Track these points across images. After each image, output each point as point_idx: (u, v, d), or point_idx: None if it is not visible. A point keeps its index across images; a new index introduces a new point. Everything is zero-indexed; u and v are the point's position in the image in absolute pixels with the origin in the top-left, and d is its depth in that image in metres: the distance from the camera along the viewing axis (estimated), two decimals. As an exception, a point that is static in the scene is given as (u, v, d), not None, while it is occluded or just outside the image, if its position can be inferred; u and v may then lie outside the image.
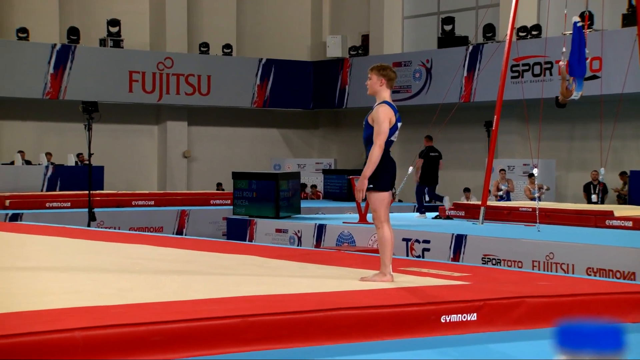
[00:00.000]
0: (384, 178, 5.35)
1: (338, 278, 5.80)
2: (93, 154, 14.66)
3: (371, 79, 5.49)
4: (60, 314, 4.16)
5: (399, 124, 5.46)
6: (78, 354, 3.75)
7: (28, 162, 20.43)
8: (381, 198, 5.36)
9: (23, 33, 21.35)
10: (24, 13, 22.14)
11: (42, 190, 18.58)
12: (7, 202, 14.90)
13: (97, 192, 16.26)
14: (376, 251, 10.18)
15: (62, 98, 21.46)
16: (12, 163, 20.11)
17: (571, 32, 11.30)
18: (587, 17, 12.61)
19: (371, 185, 5.32)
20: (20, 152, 20.38)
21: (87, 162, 15.36)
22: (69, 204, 15.59)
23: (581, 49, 10.75)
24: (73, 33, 22.10)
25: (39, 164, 20.20)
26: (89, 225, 13.33)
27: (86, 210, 13.91)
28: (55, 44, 21.51)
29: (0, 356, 3.58)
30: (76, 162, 20.60)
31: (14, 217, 13.93)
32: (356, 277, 5.74)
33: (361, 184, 5.32)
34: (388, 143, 5.39)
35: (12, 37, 21.42)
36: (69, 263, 6.64)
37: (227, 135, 24.92)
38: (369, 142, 5.41)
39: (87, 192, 14.27)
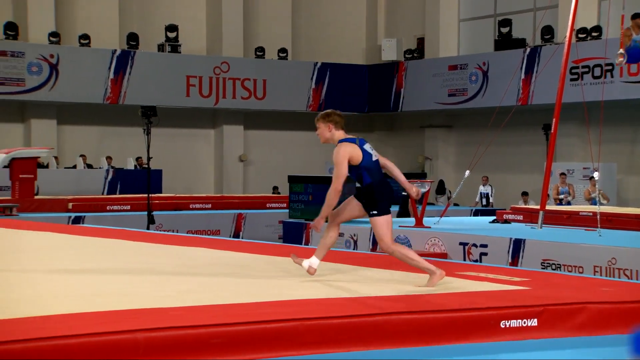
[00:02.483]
0: (382, 203, 5.40)
1: (395, 282, 5.78)
2: (152, 157, 14.90)
3: (319, 128, 5.51)
4: (122, 315, 4.23)
5: (367, 146, 5.47)
6: (139, 355, 3.80)
7: (89, 166, 20.87)
8: (385, 222, 5.41)
9: (85, 39, 21.84)
10: (86, 20, 22.63)
11: (103, 194, 18.97)
12: (70, 205, 15.25)
13: (156, 195, 16.52)
14: (432, 255, 10.11)
15: (121, 103, 21.86)
16: (74, 167, 20.57)
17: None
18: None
19: (375, 212, 5.39)
20: (82, 156, 20.83)
21: (146, 166, 15.62)
22: (128, 207, 15.88)
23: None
24: (132, 39, 22.51)
25: (100, 168, 20.61)
26: (148, 228, 13.54)
27: (145, 213, 14.13)
28: (115, 50, 21.93)
29: (65, 356, 3.65)
30: (135, 166, 20.97)
31: (77, 220, 14.24)
32: (413, 282, 5.70)
33: (317, 222, 5.44)
34: (377, 164, 5.46)
35: (75, 44, 21.92)
36: (129, 265, 6.75)
37: (282, 139, 25.05)
38: (357, 180, 5.52)
39: (146, 195, 14.50)
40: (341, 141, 5.43)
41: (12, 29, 21.08)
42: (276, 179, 22.89)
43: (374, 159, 5.46)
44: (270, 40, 24.55)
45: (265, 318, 4.19)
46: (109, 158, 21.00)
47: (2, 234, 9.85)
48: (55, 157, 20.43)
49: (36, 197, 16.15)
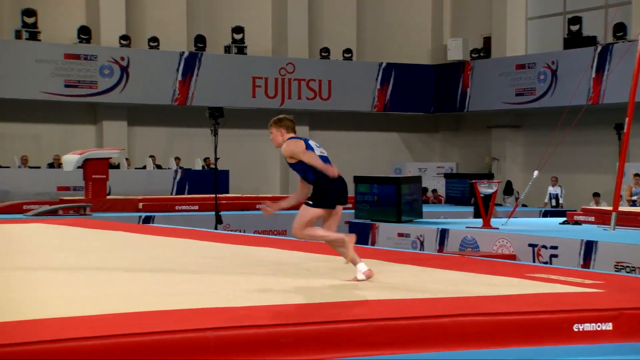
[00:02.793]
0: (329, 198, 5.58)
1: (463, 283, 5.72)
2: (219, 158, 15.08)
3: (272, 133, 5.73)
4: (192, 314, 4.29)
5: (311, 142, 5.69)
6: (210, 354, 3.85)
7: (158, 167, 21.25)
8: (311, 214, 5.56)
9: (154, 42, 22.26)
10: (155, 23, 23.06)
11: (171, 194, 19.29)
12: (140, 204, 15.54)
13: (223, 195, 16.71)
14: (501, 256, 9.97)
15: (189, 104, 22.19)
16: (144, 167, 20.97)
17: None
18: None
19: (310, 202, 5.57)
20: (152, 156, 21.23)
21: (213, 166, 15.82)
22: (196, 207, 16.10)
23: None
24: (200, 41, 22.84)
25: (169, 168, 20.97)
26: (215, 228, 13.71)
27: (213, 213, 14.32)
28: (183, 52, 22.28)
29: (139, 354, 3.72)
30: (203, 166, 21.26)
31: (147, 220, 14.51)
32: (482, 283, 5.64)
33: (274, 207, 5.73)
34: (323, 159, 5.59)
35: (144, 46, 22.36)
36: (198, 265, 6.85)
37: (347, 140, 25.06)
38: (305, 178, 5.65)
39: (213, 195, 14.68)
40: (289, 139, 5.66)
41: (85, 33, 21.62)
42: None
43: (317, 153, 5.60)
44: (335, 41, 24.59)
45: (334, 318, 4.19)
46: (177, 159, 21.34)
47: (77, 233, 10.11)
48: (127, 159, 20.89)
49: (108, 197, 16.52)
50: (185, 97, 22.12)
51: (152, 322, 4.06)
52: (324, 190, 5.54)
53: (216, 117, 14.98)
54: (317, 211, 5.57)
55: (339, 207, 5.70)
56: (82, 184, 16.58)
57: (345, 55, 24.43)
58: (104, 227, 10.77)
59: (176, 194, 19.60)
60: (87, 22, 22.13)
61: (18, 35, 20.85)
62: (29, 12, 20.88)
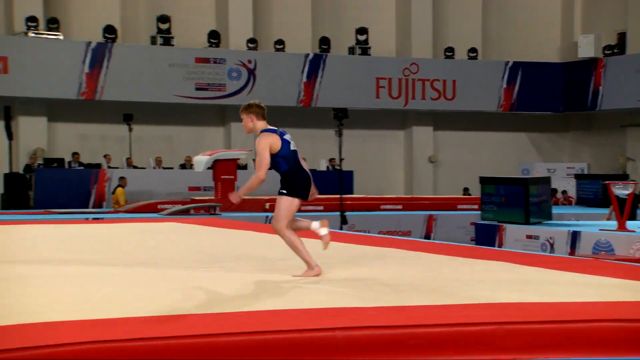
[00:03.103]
0: (295, 186, 5.77)
1: (597, 287, 5.52)
2: (344, 159, 15.19)
3: (243, 119, 5.92)
4: (320, 313, 4.35)
5: (287, 136, 5.84)
6: (338, 353, 3.88)
7: (283, 167, 21.61)
8: (288, 203, 5.75)
9: (280, 44, 22.69)
10: (281, 26, 23.50)
11: (296, 194, 19.52)
12: (267, 205, 15.87)
13: (348, 196, 16.81)
14: (637, 260, 9.53)
15: (314, 105, 22.47)
16: (270, 168, 21.39)
17: None
18: None
19: (284, 191, 5.77)
20: (276, 157, 21.61)
21: (338, 167, 15.94)
22: (321, 208, 16.28)
23: None
24: (324, 42, 23.08)
25: (294, 169, 21.29)
26: (340, 228, 13.82)
27: (338, 213, 14.43)
28: (308, 54, 22.58)
29: (269, 353, 3.80)
30: (327, 167, 21.47)
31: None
32: (619, 287, 5.42)
33: (234, 197, 5.88)
34: (294, 153, 5.81)
35: (270, 49, 22.82)
36: (324, 265, 6.92)
37: (472, 140, 24.67)
38: (275, 169, 5.84)
39: (338, 196, 14.80)
40: (263, 131, 5.82)
41: (214, 37, 22.32)
42: (466, 180, 22.58)
43: (292, 148, 5.82)
44: (460, 40, 24.27)
45: (462, 321, 4.14)
46: (303, 159, 21.60)
47: (209, 232, 10.44)
48: (253, 160, 21.36)
49: (236, 197, 16.91)
50: (310, 99, 22.41)
51: (279, 320, 4.14)
52: (293, 182, 5.77)
53: (341, 118, 15.10)
54: (294, 200, 5.78)
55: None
56: (211, 184, 17.09)
57: (470, 54, 24.06)
58: (233, 226, 11.07)
59: (301, 194, 19.83)
60: (217, 27, 22.81)
61: (153, 41, 21.76)
62: (164, 19, 21.74)
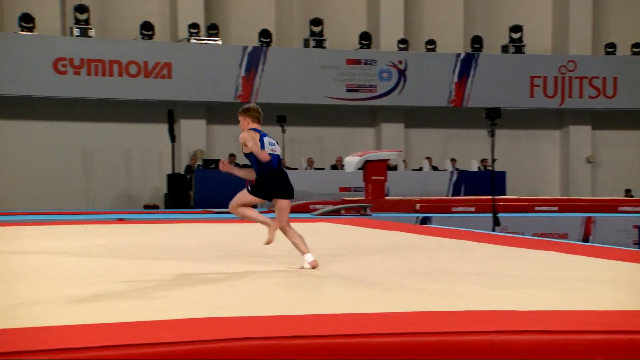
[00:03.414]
0: (265, 187, 6.25)
1: None
2: (496, 159, 14.87)
3: (240, 121, 6.39)
4: (476, 316, 4.28)
5: (267, 139, 6.27)
6: (494, 357, 3.81)
7: (434, 168, 21.48)
8: (248, 195, 6.32)
9: (431, 45, 22.56)
10: (433, 26, 23.36)
11: (447, 195, 19.39)
12: (417, 205, 15.81)
13: (500, 197, 16.46)
14: None
15: (465, 105, 22.16)
16: (421, 169, 21.31)
17: None
18: None
19: (249, 189, 6.28)
20: (428, 158, 21.51)
21: (490, 168, 15.64)
22: (473, 209, 16.04)
23: None
24: (476, 41, 22.72)
25: (445, 170, 21.11)
26: (493, 230, 13.55)
27: (490, 215, 14.16)
28: (459, 54, 22.30)
29: (419, 354, 3.78)
30: (479, 168, 21.11)
31: (424, 221, 14.73)
32: None
33: (225, 165, 6.37)
34: (275, 157, 6.25)
35: (421, 49, 22.73)
36: (476, 266, 6.81)
37: (635, 139, 23.50)
38: (253, 167, 6.34)
39: (490, 197, 14.52)
40: (249, 129, 6.32)
41: (365, 39, 22.49)
42: (629, 181, 21.55)
43: (268, 151, 6.22)
44: (622, 35, 23.17)
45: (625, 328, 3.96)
46: (453, 160, 21.40)
47: (362, 233, 10.54)
48: (404, 160, 21.36)
49: (386, 198, 17.00)
50: (461, 99, 22.13)
51: (432, 322, 4.11)
52: (263, 184, 6.26)
53: (493, 118, 14.80)
54: (252, 197, 6.33)
55: (285, 202, 6.33)
56: (362, 185, 17.23)
57: (634, 49, 22.91)
58: (383, 227, 11.11)
59: (452, 195, 19.66)
60: (368, 28, 22.97)
61: (306, 43, 22.22)
62: (316, 22, 22.15)
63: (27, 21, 19.99)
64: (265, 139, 6.27)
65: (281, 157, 6.47)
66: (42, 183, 20.36)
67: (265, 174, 6.24)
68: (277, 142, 6.38)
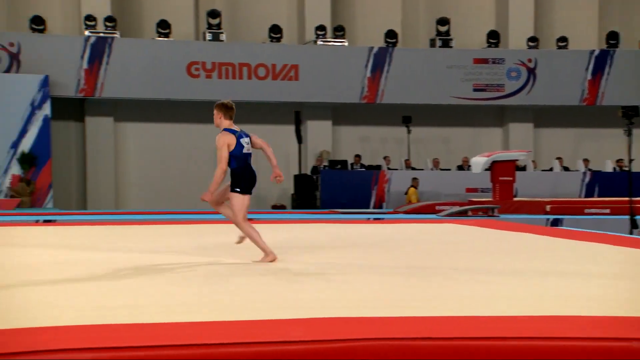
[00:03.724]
0: (243, 184, 6.56)
1: None
2: (633, 159, 14.24)
3: (214, 114, 6.65)
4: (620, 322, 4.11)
5: (244, 139, 6.56)
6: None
7: (566, 169, 20.80)
8: (241, 199, 6.56)
9: (562, 42, 21.88)
10: (565, 23, 22.67)
11: (579, 196, 18.72)
12: (547, 207, 15.35)
13: (638, 199, 15.73)
14: None
15: (598, 103, 21.37)
16: (551, 169, 20.69)
17: None
18: None
19: (237, 189, 6.55)
20: (558, 158, 20.84)
21: (626, 168, 14.98)
22: (607, 211, 15.40)
23: None
24: (612, 37, 21.84)
25: (576, 170, 20.39)
26: (630, 233, 12.97)
27: (627, 217, 13.56)
28: (593, 50, 21.51)
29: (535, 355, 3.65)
30: (614, 168, 20.28)
31: (555, 222, 14.28)
32: None
33: (205, 196, 6.56)
34: (246, 155, 6.57)
35: (552, 47, 22.10)
36: (600, 269, 6.53)
37: None
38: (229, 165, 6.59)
39: (627, 198, 13.91)
40: (224, 130, 6.56)
41: (494, 37, 22.06)
42: None
43: (244, 151, 6.56)
44: None
45: None
46: (585, 160, 20.66)
47: (485, 234, 10.33)
48: (533, 161, 20.80)
49: (515, 199, 16.60)
50: (594, 97, 21.35)
51: (526, 326, 3.97)
52: (240, 176, 6.54)
53: (630, 117, 14.16)
54: (245, 197, 6.57)
55: (246, 197, 6.57)
56: (489, 186, 16.90)
57: None
58: (511, 228, 10.84)
59: (585, 196, 18.98)
60: (496, 27, 22.51)
61: (432, 43, 22.04)
62: (443, 21, 21.92)
63: (163, 27, 20.83)
64: (242, 140, 6.55)
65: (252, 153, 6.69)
66: (175, 183, 21.12)
67: (242, 168, 6.54)
68: (248, 135, 6.62)
